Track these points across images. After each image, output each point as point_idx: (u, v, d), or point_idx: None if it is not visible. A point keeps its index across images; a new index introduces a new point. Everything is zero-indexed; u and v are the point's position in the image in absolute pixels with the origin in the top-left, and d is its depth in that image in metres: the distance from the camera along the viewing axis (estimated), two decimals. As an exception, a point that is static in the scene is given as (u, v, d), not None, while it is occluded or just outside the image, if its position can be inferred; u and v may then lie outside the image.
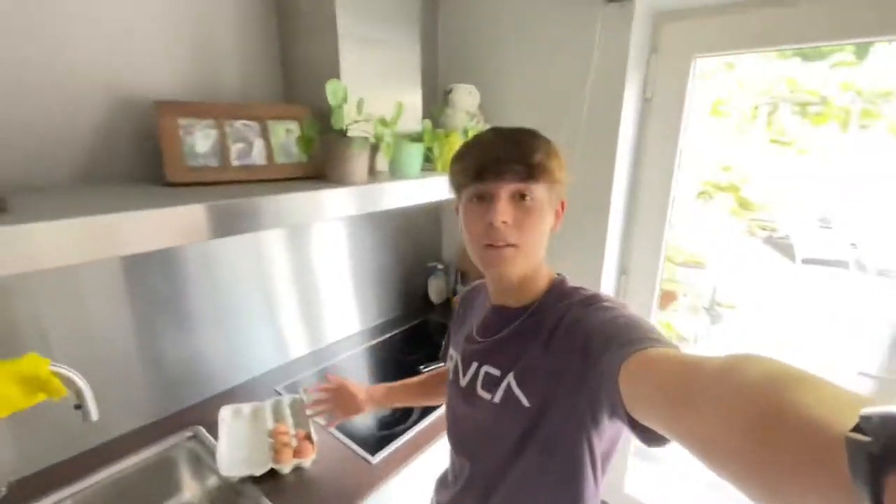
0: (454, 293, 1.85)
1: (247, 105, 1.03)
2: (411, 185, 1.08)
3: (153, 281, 1.07)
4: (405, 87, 1.24)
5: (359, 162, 0.98)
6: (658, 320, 3.23)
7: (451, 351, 0.80)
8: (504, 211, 0.59)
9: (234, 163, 0.97)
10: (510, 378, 0.63)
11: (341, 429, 1.09)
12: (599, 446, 0.60)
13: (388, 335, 1.63)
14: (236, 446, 1.01)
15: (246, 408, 1.12)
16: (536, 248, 0.63)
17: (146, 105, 0.96)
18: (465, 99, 1.35)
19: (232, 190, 0.86)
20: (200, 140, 0.94)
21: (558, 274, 0.70)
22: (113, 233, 0.60)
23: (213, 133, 0.95)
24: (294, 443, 1.00)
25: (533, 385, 0.61)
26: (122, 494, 0.97)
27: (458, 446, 0.78)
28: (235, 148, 0.97)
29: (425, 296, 1.87)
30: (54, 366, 0.75)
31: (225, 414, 1.08)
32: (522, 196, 0.60)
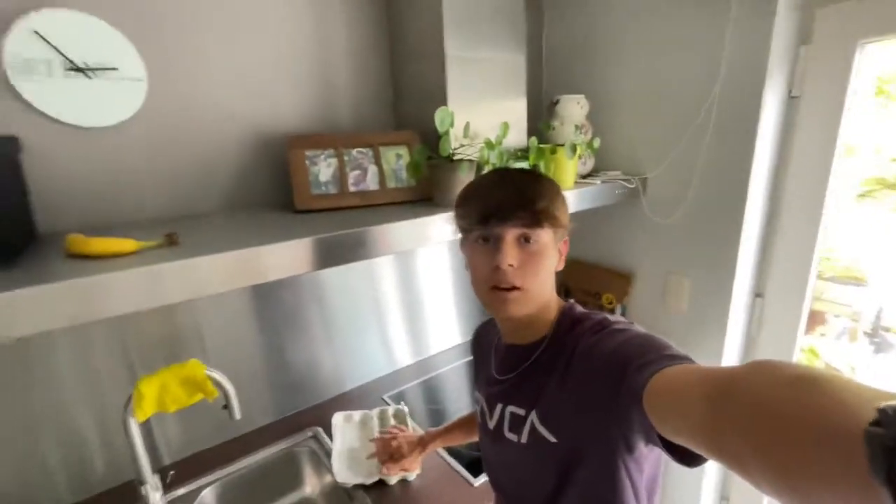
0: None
1: (361, 134, 1.10)
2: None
3: (279, 297, 1.20)
4: (510, 102, 1.23)
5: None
6: (800, 346, 2.76)
7: (476, 394, 0.80)
8: (510, 254, 0.59)
9: (351, 188, 1.04)
10: (533, 416, 0.62)
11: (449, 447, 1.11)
12: (639, 475, 0.59)
13: (487, 349, 1.63)
14: (348, 453, 1.08)
15: (356, 415, 1.20)
16: (542, 289, 0.63)
17: (278, 139, 1.08)
18: (574, 110, 1.29)
19: (350, 216, 0.92)
20: (323, 169, 1.03)
21: (567, 300, 0.69)
22: (257, 264, 0.68)
23: (334, 162, 1.04)
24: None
25: (557, 420, 0.60)
26: (258, 481, 1.10)
27: (498, 489, 0.78)
28: (352, 175, 1.05)
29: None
30: (209, 371, 0.87)
31: (337, 420, 1.17)
32: (527, 239, 0.60)
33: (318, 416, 1.25)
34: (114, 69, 0.85)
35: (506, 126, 1.03)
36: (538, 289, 0.62)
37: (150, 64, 0.90)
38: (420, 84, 1.16)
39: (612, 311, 1.51)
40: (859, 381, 0.30)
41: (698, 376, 0.40)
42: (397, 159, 1.09)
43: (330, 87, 1.17)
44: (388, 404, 1.28)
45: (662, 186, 1.32)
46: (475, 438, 0.97)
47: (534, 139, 1.10)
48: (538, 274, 0.61)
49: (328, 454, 1.10)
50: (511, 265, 0.59)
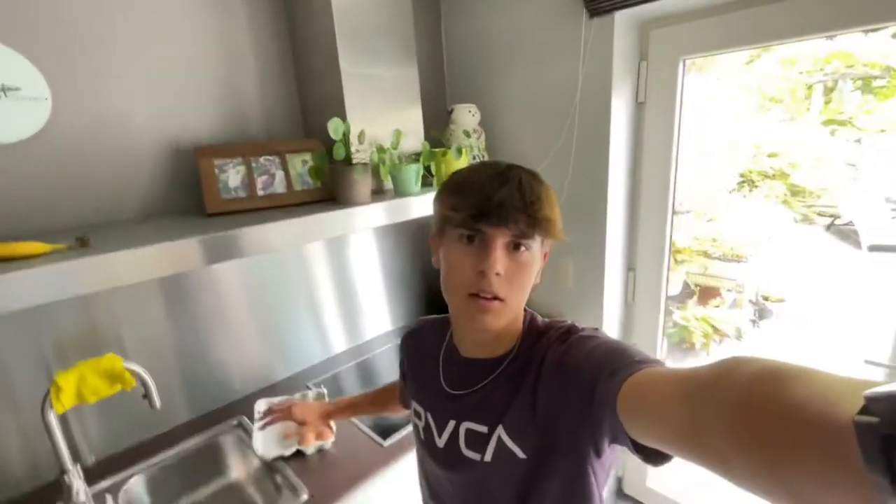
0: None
1: (268, 142, 1.21)
2: (409, 201, 1.21)
3: (208, 290, 1.27)
4: (406, 112, 1.38)
5: (362, 185, 1.13)
6: (692, 315, 3.12)
7: (416, 406, 0.73)
8: (500, 261, 0.54)
9: (260, 193, 1.15)
10: (500, 432, 0.59)
11: (357, 417, 1.24)
12: (602, 472, 0.59)
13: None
14: (269, 432, 1.18)
15: (276, 400, 1.30)
16: (522, 301, 0.60)
17: (190, 150, 1.17)
18: (466, 117, 1.47)
19: (257, 216, 1.04)
20: (232, 176, 1.13)
21: (526, 310, 0.65)
22: (165, 258, 0.79)
23: (242, 169, 1.14)
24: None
25: (527, 434, 0.57)
26: (183, 472, 1.17)
27: None
28: (260, 180, 1.16)
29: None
30: (127, 363, 0.95)
31: (259, 405, 1.26)
32: (517, 246, 0.56)
33: (247, 407, 1.33)
34: (16, 89, 0.92)
35: (398, 133, 1.19)
36: (518, 302, 0.59)
37: (55, 83, 0.97)
38: (322, 97, 1.29)
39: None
40: (835, 373, 0.30)
41: (674, 379, 0.40)
42: (303, 164, 1.21)
43: (240, 101, 1.27)
44: (310, 389, 1.39)
45: (546, 180, 1.53)
46: (386, 414, 1.09)
47: (425, 143, 1.27)
48: (523, 285, 0.57)
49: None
50: (498, 273, 0.54)
